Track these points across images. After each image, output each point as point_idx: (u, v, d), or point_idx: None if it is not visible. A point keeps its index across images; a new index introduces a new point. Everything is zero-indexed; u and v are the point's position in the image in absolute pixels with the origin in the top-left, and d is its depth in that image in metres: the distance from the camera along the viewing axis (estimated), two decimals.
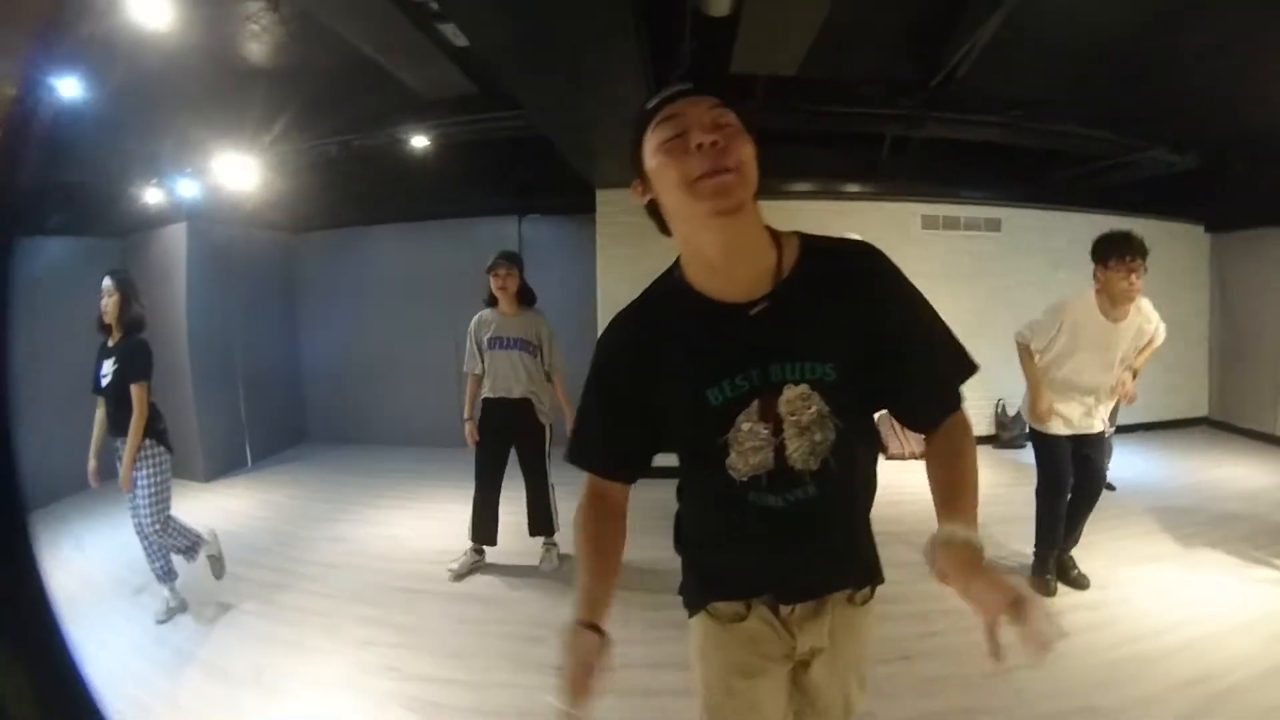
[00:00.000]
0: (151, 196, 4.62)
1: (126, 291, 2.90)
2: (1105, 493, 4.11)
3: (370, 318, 6.41)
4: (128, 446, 2.85)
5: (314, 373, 6.52)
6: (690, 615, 1.20)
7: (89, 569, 3.64)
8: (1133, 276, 2.79)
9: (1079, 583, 3.10)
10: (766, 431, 1.01)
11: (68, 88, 2.93)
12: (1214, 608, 2.89)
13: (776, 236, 1.06)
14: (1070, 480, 3.04)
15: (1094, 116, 4.55)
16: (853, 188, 6.00)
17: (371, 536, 4.05)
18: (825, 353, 1.00)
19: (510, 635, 2.81)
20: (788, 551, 1.08)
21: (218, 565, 3.19)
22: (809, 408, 1.00)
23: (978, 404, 5.86)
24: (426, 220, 6.35)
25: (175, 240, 5.06)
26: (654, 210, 1.05)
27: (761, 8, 2.77)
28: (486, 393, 3.38)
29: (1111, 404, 3.13)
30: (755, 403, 1.00)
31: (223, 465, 5.48)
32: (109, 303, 2.88)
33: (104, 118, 3.13)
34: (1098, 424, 3.02)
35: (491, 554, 3.54)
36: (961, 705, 2.26)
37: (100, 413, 3.01)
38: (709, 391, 1.01)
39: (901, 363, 1.02)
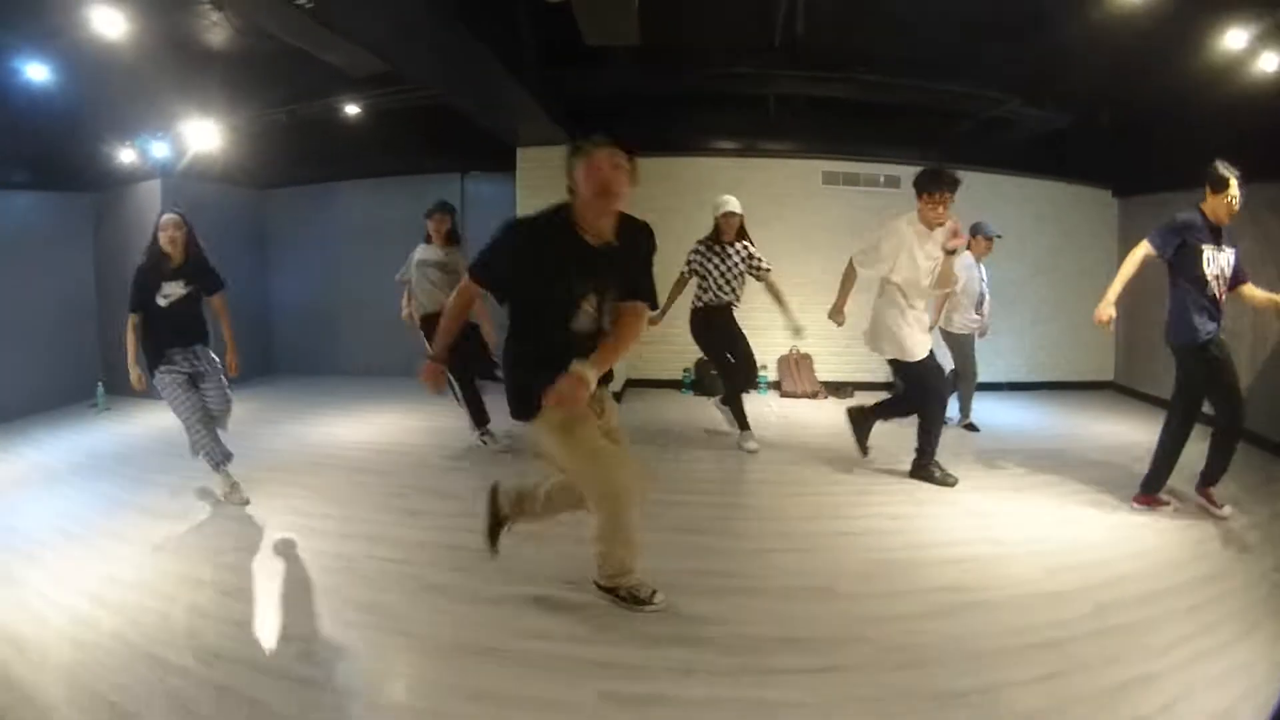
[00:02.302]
0: (125, 156, 5.69)
1: (189, 225, 3.61)
2: (971, 433, 5.11)
3: (333, 264, 7.52)
4: (227, 339, 3.74)
5: (282, 313, 7.65)
6: (531, 418, 2.21)
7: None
8: (940, 209, 3.61)
9: (945, 480, 3.86)
10: (592, 310, 2.19)
11: (35, 72, 3.90)
12: (1012, 534, 3.22)
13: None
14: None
15: (945, 73, 5.08)
16: (761, 145, 6.82)
17: (313, 433, 5.18)
18: (622, 276, 2.18)
19: (383, 492, 3.86)
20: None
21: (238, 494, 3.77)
22: (610, 300, 2.21)
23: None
24: (383, 177, 7.37)
25: (150, 195, 6.11)
26: (571, 187, 2.16)
27: None
28: (424, 311, 4.56)
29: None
30: (592, 296, 2.17)
31: None
32: (178, 234, 3.51)
33: (78, 88, 4.10)
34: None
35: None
36: (719, 569, 2.83)
37: (133, 329, 3.54)
38: (575, 285, 2.16)
39: (638, 276, 2.22)
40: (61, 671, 2.16)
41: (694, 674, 2.10)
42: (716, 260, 4.49)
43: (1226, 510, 3.36)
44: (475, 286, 2.27)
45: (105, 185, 6.27)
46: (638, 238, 2.26)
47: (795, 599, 2.59)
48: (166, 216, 3.58)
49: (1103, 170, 6.75)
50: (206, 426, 3.70)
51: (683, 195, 6.66)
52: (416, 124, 6.28)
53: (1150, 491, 3.48)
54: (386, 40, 3.62)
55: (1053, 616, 2.44)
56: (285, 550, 3.11)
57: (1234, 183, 3.09)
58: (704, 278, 4.53)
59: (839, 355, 6.70)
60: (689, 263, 4.59)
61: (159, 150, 5.69)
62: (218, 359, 3.76)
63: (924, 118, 6.15)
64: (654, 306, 2.35)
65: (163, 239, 3.51)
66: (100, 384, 5.97)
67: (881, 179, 6.81)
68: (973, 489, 3.83)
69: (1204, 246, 3.19)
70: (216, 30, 4.41)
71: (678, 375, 6.88)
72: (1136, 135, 6.05)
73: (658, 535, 3.09)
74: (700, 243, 4.58)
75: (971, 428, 5.18)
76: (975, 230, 4.93)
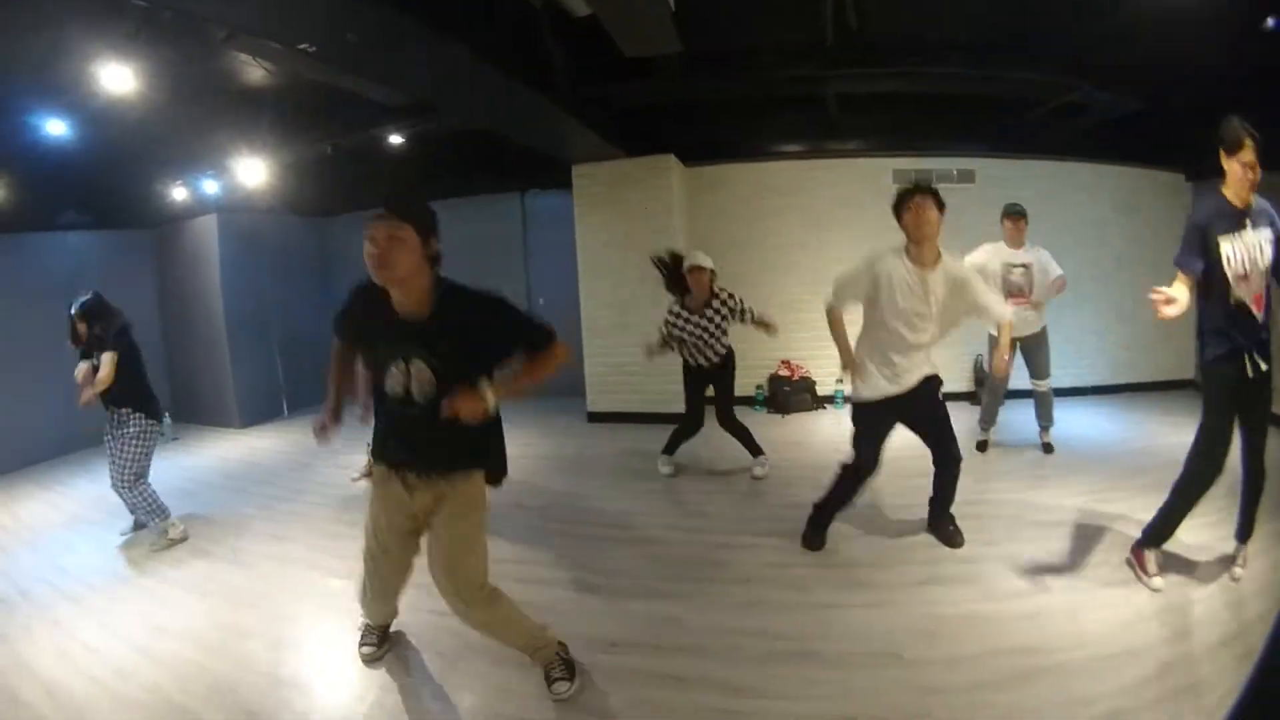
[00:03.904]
0: (178, 194, 6.01)
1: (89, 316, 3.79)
2: (1043, 455, 4.64)
3: None
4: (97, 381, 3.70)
5: None
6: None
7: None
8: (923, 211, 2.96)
9: (953, 540, 3.35)
10: (403, 376, 2.03)
11: (54, 127, 4.14)
12: (1087, 577, 2.93)
13: (437, 286, 2.02)
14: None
15: (1011, 59, 4.70)
16: (825, 146, 6.58)
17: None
18: (442, 357, 2.00)
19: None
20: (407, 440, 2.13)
21: (163, 542, 3.87)
22: (421, 373, 2.01)
23: (959, 359, 6.32)
24: (444, 199, 7.51)
25: (207, 229, 6.47)
26: None
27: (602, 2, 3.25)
28: None
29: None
30: (401, 362, 2.02)
31: (259, 415, 6.96)
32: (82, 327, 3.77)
33: (130, 132, 4.33)
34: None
35: None
36: (772, 628, 2.66)
37: None
38: (380, 345, 2.07)
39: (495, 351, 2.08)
40: None
41: None
42: (691, 327, 4.24)
43: (1239, 572, 2.84)
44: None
45: (163, 221, 6.64)
46: (470, 314, 2.05)
47: (854, 666, 2.41)
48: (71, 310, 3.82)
49: (1176, 153, 6.27)
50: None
51: (744, 203, 6.55)
52: (474, 145, 6.38)
53: (1146, 545, 2.90)
54: (424, 85, 3.72)
55: (1118, 682, 2.22)
56: (331, 602, 3.08)
57: (1249, 144, 2.52)
58: (683, 343, 4.32)
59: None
60: (667, 328, 4.31)
61: (209, 187, 5.97)
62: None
63: (993, 108, 5.81)
64: (553, 339, 2.14)
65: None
66: (166, 414, 6.30)
67: (955, 174, 6.50)
68: (1054, 522, 3.52)
69: (1221, 238, 2.59)
70: (256, 71, 4.57)
71: (750, 392, 6.67)
72: (1210, 114, 5.51)
73: (709, 588, 3.03)
74: (670, 312, 4.30)
75: (1047, 449, 4.76)
76: (1001, 214, 4.56)
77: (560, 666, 2.35)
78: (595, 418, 6.46)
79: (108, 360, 3.70)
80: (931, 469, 3.41)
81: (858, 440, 3.27)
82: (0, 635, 2.92)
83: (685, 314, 4.24)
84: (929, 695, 2.21)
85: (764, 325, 4.26)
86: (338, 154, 5.65)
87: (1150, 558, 2.86)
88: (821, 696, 2.24)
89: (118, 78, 3.45)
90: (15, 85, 3.74)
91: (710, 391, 4.47)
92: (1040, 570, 3.01)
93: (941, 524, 3.45)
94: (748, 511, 3.95)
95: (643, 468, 4.86)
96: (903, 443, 3.29)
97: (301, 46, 2.94)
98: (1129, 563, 2.96)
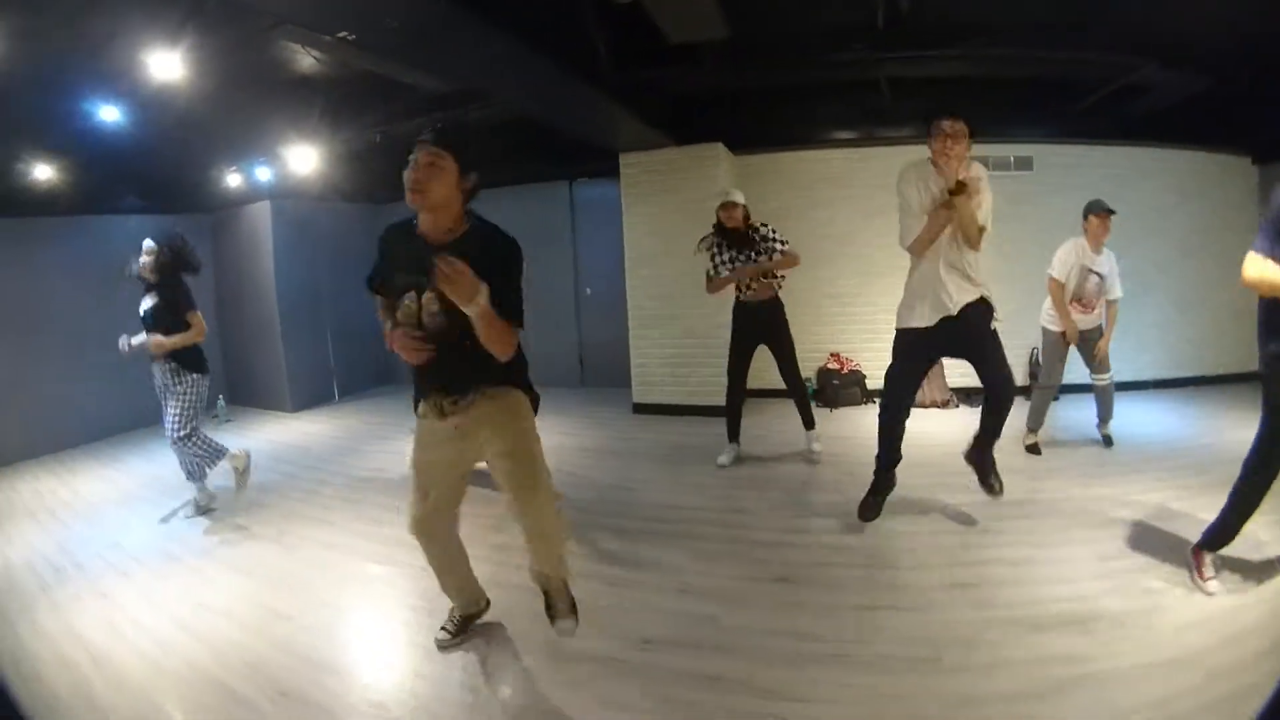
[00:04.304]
0: (233, 180, 6.18)
1: (162, 251, 3.94)
2: (1100, 452, 4.46)
3: None
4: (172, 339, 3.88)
5: None
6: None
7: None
8: (948, 142, 3.01)
9: (992, 488, 3.39)
10: (413, 304, 2.08)
11: (108, 114, 4.29)
12: (1140, 581, 2.79)
13: (467, 218, 2.09)
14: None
15: (1070, 38, 4.46)
16: (877, 134, 6.38)
17: None
18: None
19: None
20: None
21: (242, 479, 4.19)
22: (433, 306, 2.05)
23: (1012, 352, 6.06)
24: (494, 188, 7.55)
25: (261, 215, 6.66)
26: None
27: None
28: None
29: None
30: (414, 292, 2.07)
31: (310, 400, 7.16)
32: (148, 260, 3.91)
33: (186, 120, 4.47)
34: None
35: None
36: (809, 629, 2.59)
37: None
38: (400, 276, 2.11)
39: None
40: (134, 693, 2.34)
41: None
42: (727, 257, 4.34)
43: None
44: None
45: (219, 206, 6.86)
46: (490, 248, 2.08)
47: (890, 671, 2.32)
48: (144, 243, 3.97)
49: (1242, 135, 5.97)
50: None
51: (796, 192, 6.41)
52: (525, 134, 6.38)
53: (1204, 547, 2.75)
54: (466, 73, 3.76)
55: (1162, 691, 2.12)
56: (370, 587, 3.16)
57: None
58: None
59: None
60: (712, 262, 4.40)
61: (262, 174, 6.13)
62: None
63: (1052, 90, 5.57)
64: (516, 324, 2.08)
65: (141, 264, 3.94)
66: (220, 396, 6.53)
67: (1012, 160, 6.25)
68: (1106, 523, 3.36)
69: None
70: (306, 60, 4.64)
71: None
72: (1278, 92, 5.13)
73: (747, 585, 2.99)
74: (711, 248, 4.41)
75: (1107, 441, 4.59)
76: (1087, 210, 4.39)
77: (566, 598, 2.45)
78: (641, 409, 6.43)
79: (199, 320, 3.94)
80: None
81: None
82: (52, 603, 3.08)
83: (731, 253, 4.32)
84: (965, 705, 2.13)
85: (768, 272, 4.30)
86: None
87: (1208, 561, 2.74)
88: (852, 701, 2.18)
89: (167, 65, 3.54)
90: (73, 72, 3.87)
91: (757, 347, 4.50)
92: (1091, 574, 2.89)
93: (983, 463, 3.41)
94: (789, 508, 3.86)
95: (686, 460, 4.82)
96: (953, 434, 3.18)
97: (341, 35, 2.95)
98: (1188, 564, 2.82)
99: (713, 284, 4.40)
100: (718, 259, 4.35)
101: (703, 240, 4.42)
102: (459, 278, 1.82)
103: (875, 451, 3.49)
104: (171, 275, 3.98)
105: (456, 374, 2.15)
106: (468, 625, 2.64)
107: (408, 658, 2.56)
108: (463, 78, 4.07)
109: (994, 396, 3.23)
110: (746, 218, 4.31)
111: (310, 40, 3.94)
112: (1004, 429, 3.33)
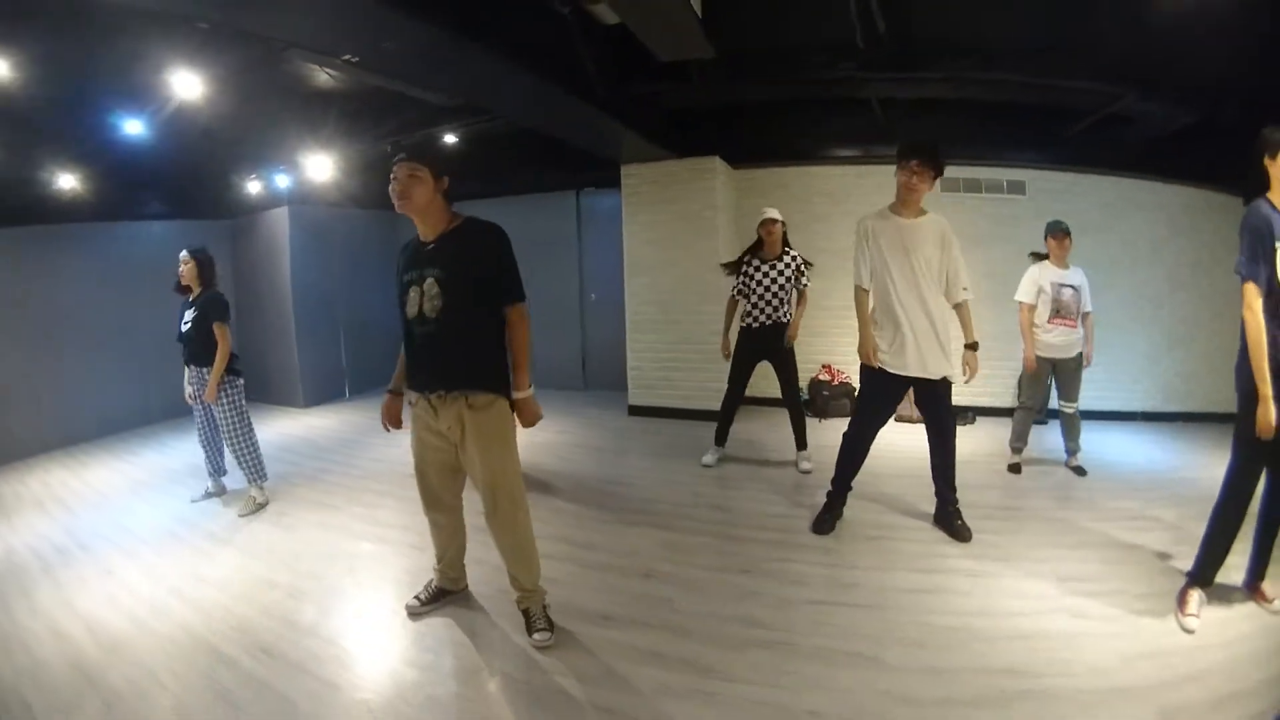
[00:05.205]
0: (253, 188, 6.51)
1: (200, 260, 4.14)
2: (1077, 477, 4.46)
3: None
4: (214, 371, 4.02)
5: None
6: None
7: None
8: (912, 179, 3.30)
9: (960, 534, 3.46)
10: (417, 295, 2.36)
11: (132, 127, 4.59)
12: (1098, 606, 2.79)
13: (455, 217, 2.40)
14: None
15: (1051, 64, 4.56)
16: (873, 152, 6.51)
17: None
18: (446, 269, 2.30)
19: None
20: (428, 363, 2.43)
21: (247, 508, 4.14)
22: (431, 287, 2.29)
23: (1002, 378, 6.19)
24: (503, 196, 7.82)
25: (279, 221, 6.98)
26: None
27: (627, 8, 3.38)
28: None
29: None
30: (416, 285, 2.34)
31: (322, 396, 7.47)
32: (186, 269, 4.11)
33: (203, 132, 4.76)
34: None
35: None
36: (761, 618, 2.71)
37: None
38: (404, 277, 2.42)
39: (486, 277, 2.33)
40: (125, 653, 2.56)
41: None
42: (760, 275, 4.51)
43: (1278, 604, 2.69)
44: None
45: (239, 213, 7.21)
46: (479, 237, 2.40)
47: (833, 664, 2.41)
48: (182, 253, 4.16)
49: (1230, 173, 5.76)
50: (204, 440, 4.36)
51: (793, 206, 6.54)
52: (534, 145, 6.63)
53: (1190, 584, 2.74)
54: (462, 90, 4.04)
55: (1108, 718, 2.10)
56: (359, 562, 3.38)
57: None
58: (748, 295, 4.56)
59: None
60: (741, 278, 4.61)
61: (281, 181, 6.45)
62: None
63: (1042, 117, 5.66)
64: (518, 299, 2.42)
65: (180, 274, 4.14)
66: None
67: (1005, 184, 6.34)
68: (1070, 545, 3.39)
69: (1279, 244, 2.42)
70: (320, 75, 4.92)
71: None
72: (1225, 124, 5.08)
73: (709, 574, 3.13)
74: (743, 260, 4.63)
75: (1079, 471, 4.55)
76: (1045, 233, 4.48)
77: (544, 618, 2.61)
78: (636, 411, 6.61)
79: (223, 333, 4.07)
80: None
81: None
82: (56, 581, 3.28)
83: (758, 261, 4.54)
84: (901, 704, 2.19)
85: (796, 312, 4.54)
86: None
87: (1193, 598, 2.69)
88: (790, 687, 2.27)
89: (188, 84, 3.82)
90: (100, 90, 4.16)
91: (757, 366, 4.68)
92: (1048, 593, 2.90)
93: (947, 515, 3.58)
94: (768, 507, 4.01)
95: (676, 460, 4.99)
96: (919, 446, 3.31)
97: (345, 57, 3.19)
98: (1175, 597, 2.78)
99: (731, 305, 4.70)
100: (745, 271, 4.58)
101: (739, 260, 4.66)
102: (530, 418, 2.45)
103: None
104: (209, 285, 4.20)
105: (447, 370, 2.39)
106: (440, 597, 2.85)
107: (383, 624, 2.76)
108: (459, 94, 4.31)
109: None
110: (784, 237, 4.59)
111: (321, 60, 4.20)
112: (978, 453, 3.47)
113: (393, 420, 2.71)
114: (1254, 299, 2.44)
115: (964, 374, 3.48)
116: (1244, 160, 4.48)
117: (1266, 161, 2.54)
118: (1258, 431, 2.39)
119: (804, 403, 6.36)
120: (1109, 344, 5.88)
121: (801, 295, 4.55)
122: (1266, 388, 2.38)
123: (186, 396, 4.27)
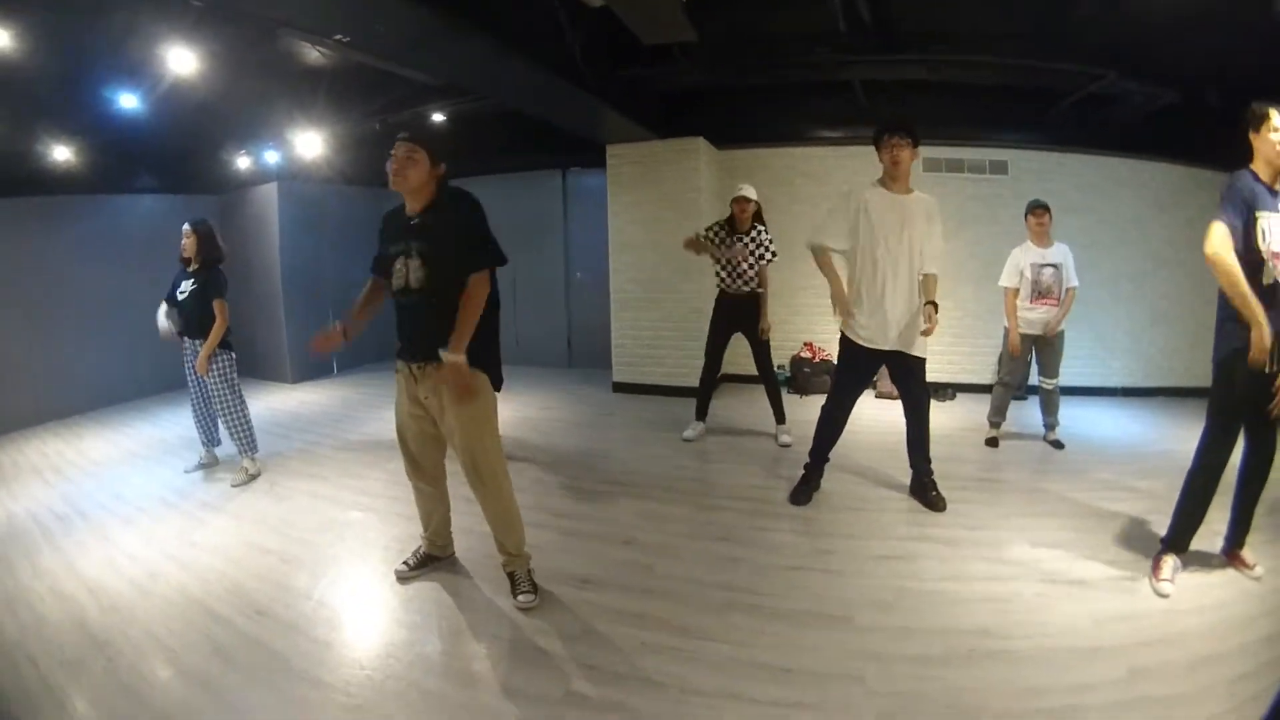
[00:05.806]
0: (243, 163, 6.50)
1: (201, 233, 4.17)
2: (1055, 450, 4.58)
3: None
4: (207, 344, 4.04)
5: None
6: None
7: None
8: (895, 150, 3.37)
9: (935, 504, 3.57)
10: (402, 268, 2.44)
11: (127, 101, 4.59)
12: (1071, 571, 2.84)
13: (440, 191, 2.47)
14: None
15: (1034, 46, 4.61)
16: (855, 133, 6.55)
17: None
18: (428, 242, 2.38)
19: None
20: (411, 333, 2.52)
21: (239, 478, 4.21)
22: (417, 263, 2.37)
23: (983, 355, 6.34)
24: (491, 174, 7.81)
25: (268, 196, 6.98)
26: None
27: None
28: None
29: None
30: (402, 257, 2.41)
31: (309, 372, 7.52)
32: (188, 243, 4.15)
33: (198, 106, 4.76)
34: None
35: None
36: (738, 583, 2.80)
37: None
38: (391, 249, 2.49)
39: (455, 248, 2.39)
40: (125, 613, 2.65)
41: (664, 688, 2.16)
42: (730, 240, 4.59)
43: (1259, 570, 2.76)
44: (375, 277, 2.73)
45: (229, 188, 7.18)
46: (454, 206, 2.49)
47: (805, 624, 2.50)
48: (184, 226, 4.20)
49: (1214, 151, 5.88)
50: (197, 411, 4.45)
51: (776, 187, 6.62)
52: (521, 124, 6.64)
53: (1164, 550, 2.80)
54: (449, 72, 4.12)
55: (1079, 678, 2.15)
56: (349, 530, 3.47)
57: (1274, 114, 2.48)
58: (718, 259, 4.66)
59: (941, 353, 6.26)
60: (709, 233, 4.67)
61: (270, 157, 6.45)
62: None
63: (1024, 97, 5.74)
64: (477, 267, 2.43)
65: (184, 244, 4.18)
66: None
67: (987, 164, 6.42)
68: (1045, 514, 3.50)
69: (1260, 214, 2.45)
70: (311, 53, 4.93)
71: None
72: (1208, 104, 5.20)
73: (688, 542, 3.23)
74: (713, 226, 4.70)
75: (1057, 445, 4.69)
76: (1025, 211, 4.58)
77: (528, 581, 2.72)
78: (620, 388, 6.71)
79: (221, 308, 4.09)
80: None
81: None
82: (56, 546, 3.36)
83: (726, 231, 4.61)
84: (871, 660, 2.26)
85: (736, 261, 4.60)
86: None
87: (1166, 563, 2.75)
88: (765, 646, 2.36)
89: (182, 60, 3.83)
90: (92, 62, 4.16)
91: (733, 336, 4.80)
92: (1022, 559, 2.98)
93: (922, 485, 3.68)
94: (747, 479, 4.11)
95: (658, 434, 5.09)
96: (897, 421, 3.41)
97: (337, 38, 3.22)
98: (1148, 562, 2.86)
99: (690, 240, 4.65)
100: (717, 235, 4.64)
101: (709, 228, 4.71)
102: (461, 384, 2.38)
103: (840, 438, 3.79)
104: (211, 259, 4.21)
105: (427, 342, 2.45)
106: (428, 563, 2.95)
107: (372, 586, 2.86)
108: (448, 75, 4.33)
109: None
110: (757, 215, 4.65)
111: (312, 39, 4.21)
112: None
113: (319, 344, 2.67)
114: (1220, 238, 2.43)
115: (923, 323, 3.42)
116: (1226, 136, 4.58)
117: (1251, 135, 2.60)
118: (1249, 360, 2.39)
119: (786, 380, 6.52)
120: (1091, 320, 6.02)
121: (760, 274, 4.62)
122: (1254, 308, 2.37)
123: (186, 366, 4.29)
